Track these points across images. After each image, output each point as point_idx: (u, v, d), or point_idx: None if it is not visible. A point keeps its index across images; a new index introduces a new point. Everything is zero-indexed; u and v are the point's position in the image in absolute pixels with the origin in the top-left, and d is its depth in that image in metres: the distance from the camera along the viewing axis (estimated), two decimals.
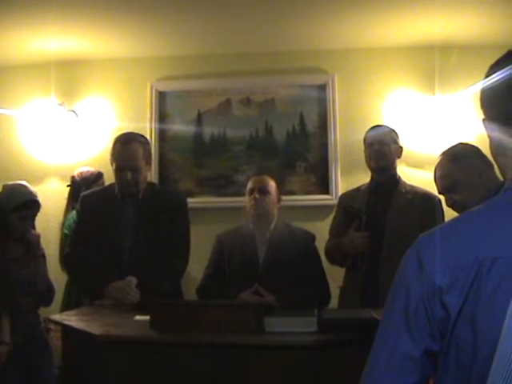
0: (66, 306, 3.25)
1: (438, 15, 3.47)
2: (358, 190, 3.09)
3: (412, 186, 3.00)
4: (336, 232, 2.99)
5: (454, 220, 0.93)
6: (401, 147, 3.03)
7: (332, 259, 2.98)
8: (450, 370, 0.85)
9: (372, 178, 3.02)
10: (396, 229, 2.81)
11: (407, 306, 0.88)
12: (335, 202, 3.88)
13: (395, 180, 2.99)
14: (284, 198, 3.11)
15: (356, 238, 2.75)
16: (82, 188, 3.48)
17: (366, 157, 3.00)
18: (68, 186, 3.71)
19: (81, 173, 3.68)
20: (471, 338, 0.82)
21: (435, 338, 0.87)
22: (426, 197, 2.91)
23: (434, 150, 3.55)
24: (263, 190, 2.92)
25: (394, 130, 3.04)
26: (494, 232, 0.85)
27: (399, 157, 3.02)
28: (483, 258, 0.83)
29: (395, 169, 3.01)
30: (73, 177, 3.68)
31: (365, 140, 3.02)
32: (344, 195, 3.21)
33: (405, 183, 3.00)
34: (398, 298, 0.90)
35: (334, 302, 2.94)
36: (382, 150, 2.93)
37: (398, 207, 2.88)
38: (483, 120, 0.96)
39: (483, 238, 0.85)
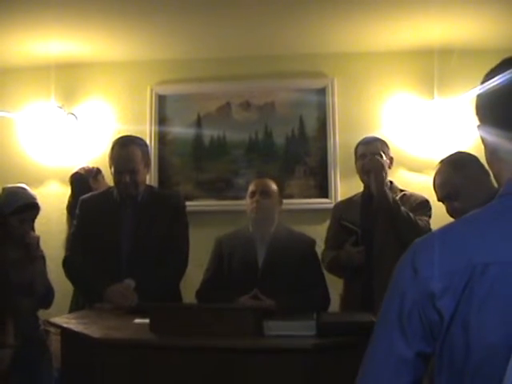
0: (75, 308, 3.23)
1: (437, 19, 3.48)
2: (351, 200, 3.11)
3: (402, 193, 2.99)
4: (332, 243, 3.03)
5: (449, 225, 0.94)
6: (391, 158, 3.03)
7: (330, 270, 3.01)
8: (444, 372, 0.88)
9: (364, 189, 3.02)
10: (384, 238, 2.83)
11: (401, 309, 0.90)
12: None
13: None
14: (283, 201, 3.11)
15: (353, 252, 2.82)
16: (89, 179, 3.60)
17: (357, 168, 3.00)
18: (71, 175, 3.72)
19: (83, 168, 3.76)
20: (463, 342, 0.84)
21: (428, 341, 0.89)
22: (413, 198, 2.93)
23: (433, 155, 3.57)
24: (265, 193, 2.91)
25: (384, 142, 3.04)
26: (487, 238, 0.87)
27: (390, 168, 3.01)
28: (475, 263, 0.84)
29: (387, 179, 2.98)
30: (76, 173, 3.72)
31: (356, 151, 3.03)
32: (338, 206, 3.22)
33: (396, 190, 2.98)
34: (392, 302, 0.92)
35: (333, 307, 2.94)
36: None
37: (388, 217, 2.86)
38: (478, 126, 0.97)
39: (476, 243, 0.87)
